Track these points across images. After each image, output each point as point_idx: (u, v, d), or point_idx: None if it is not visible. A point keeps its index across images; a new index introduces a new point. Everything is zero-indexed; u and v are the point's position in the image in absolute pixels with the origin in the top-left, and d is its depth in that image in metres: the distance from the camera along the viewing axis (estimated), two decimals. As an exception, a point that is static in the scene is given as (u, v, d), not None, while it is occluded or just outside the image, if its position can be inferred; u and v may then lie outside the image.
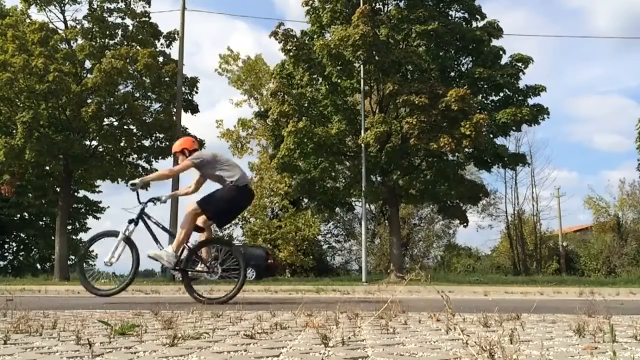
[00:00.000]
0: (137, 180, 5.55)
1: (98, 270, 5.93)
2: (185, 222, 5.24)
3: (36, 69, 17.04)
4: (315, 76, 18.15)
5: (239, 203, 5.53)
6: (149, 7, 20.37)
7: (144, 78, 19.00)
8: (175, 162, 6.93)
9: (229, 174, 5.33)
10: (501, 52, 17.93)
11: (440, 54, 18.10)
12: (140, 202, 5.57)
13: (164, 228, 5.97)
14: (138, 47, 19.36)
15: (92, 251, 5.86)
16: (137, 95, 19.57)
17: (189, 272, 5.28)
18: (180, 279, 5.50)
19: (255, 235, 27.23)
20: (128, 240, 5.39)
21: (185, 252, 5.30)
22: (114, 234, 5.43)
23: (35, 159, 17.21)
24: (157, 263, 5.46)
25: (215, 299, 5.19)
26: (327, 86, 18.11)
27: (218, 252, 5.34)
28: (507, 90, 17.98)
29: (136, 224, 5.48)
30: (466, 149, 16.60)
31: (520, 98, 17.87)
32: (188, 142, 5.92)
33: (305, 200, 23.57)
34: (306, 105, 18.26)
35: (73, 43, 19.77)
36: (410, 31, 17.40)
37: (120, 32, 19.89)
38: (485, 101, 18.44)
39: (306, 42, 18.25)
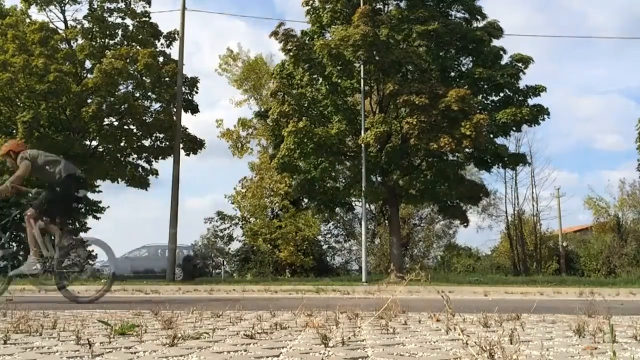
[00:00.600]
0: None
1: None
2: (28, 228, 5.48)
3: (36, 69, 17.06)
4: (316, 76, 18.13)
5: (70, 192, 5.73)
6: (149, 7, 20.40)
7: (144, 78, 19.01)
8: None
9: (56, 168, 5.47)
10: (501, 52, 17.93)
11: (441, 54, 18.09)
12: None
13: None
14: (138, 47, 19.38)
15: (92, 250, 5.90)
16: (137, 95, 19.58)
17: (61, 272, 5.41)
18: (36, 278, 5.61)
19: (256, 235, 27.21)
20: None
21: (56, 254, 5.38)
22: None
23: (35, 159, 17.20)
24: (28, 276, 5.56)
25: (87, 297, 5.27)
26: (327, 86, 18.10)
27: (84, 250, 5.42)
28: (507, 91, 17.98)
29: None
30: (466, 149, 16.60)
31: (520, 98, 17.88)
32: (14, 145, 5.90)
33: (306, 200, 23.56)
34: (306, 105, 18.25)
35: (73, 43, 19.79)
36: (411, 31, 17.40)
37: (120, 32, 19.91)
38: (486, 101, 18.44)
39: (306, 42, 18.25)
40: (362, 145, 16.58)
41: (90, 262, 5.84)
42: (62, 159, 5.69)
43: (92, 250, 5.55)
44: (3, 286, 5.52)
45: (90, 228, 29.85)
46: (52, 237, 5.55)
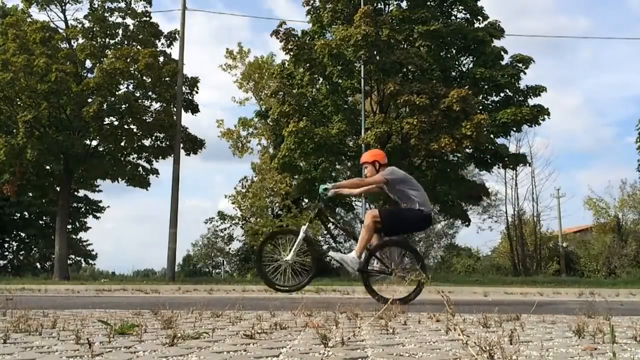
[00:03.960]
0: (329, 186, 5.68)
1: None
2: (367, 228, 5.35)
3: (37, 69, 17.06)
4: (316, 76, 18.14)
5: (415, 227, 5.83)
6: (150, 6, 20.38)
7: (144, 78, 18.99)
8: (360, 171, 7.19)
9: (418, 199, 5.43)
10: (502, 53, 17.94)
11: (442, 54, 18.10)
12: (320, 201, 5.74)
13: (341, 227, 6.55)
14: (139, 46, 19.36)
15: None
16: (138, 95, 19.55)
17: (369, 273, 5.42)
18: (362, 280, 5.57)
19: (256, 235, 27.22)
20: (307, 239, 5.61)
21: (365, 254, 5.42)
22: (294, 232, 5.65)
23: (36, 158, 17.22)
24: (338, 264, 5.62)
25: (398, 299, 5.23)
26: (327, 86, 18.10)
27: (395, 252, 5.49)
28: (507, 91, 17.99)
29: (313, 222, 5.73)
30: (467, 150, 16.59)
31: (520, 98, 17.88)
32: (381, 156, 5.86)
33: (306, 200, 23.57)
34: (307, 105, 18.25)
35: (74, 43, 19.78)
36: (412, 31, 17.40)
37: (121, 32, 19.88)
38: (486, 101, 18.46)
39: (307, 42, 18.25)
40: (363, 145, 16.57)
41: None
42: (424, 192, 5.62)
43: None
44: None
45: (90, 228, 29.99)
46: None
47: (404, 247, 5.71)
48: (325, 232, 5.85)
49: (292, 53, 17.61)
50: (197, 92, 20.76)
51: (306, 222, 5.67)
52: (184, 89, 19.68)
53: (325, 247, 32.77)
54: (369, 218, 5.36)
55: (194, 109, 20.62)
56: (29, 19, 19.52)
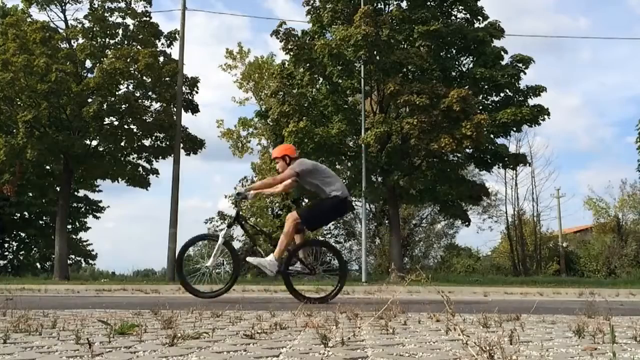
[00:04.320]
0: (242, 189, 5.66)
1: None
2: (287, 231, 5.32)
3: (37, 69, 17.06)
4: (316, 76, 18.14)
5: (336, 214, 5.78)
6: (150, 6, 20.38)
7: (144, 78, 19.00)
8: (273, 168, 7.19)
9: (331, 186, 5.39)
10: (502, 53, 17.93)
11: (442, 54, 18.10)
12: (236, 206, 5.73)
13: (260, 230, 6.40)
14: (139, 46, 19.37)
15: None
16: (138, 95, 19.56)
17: (290, 274, 5.40)
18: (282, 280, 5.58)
19: (256, 234, 27.18)
20: (227, 244, 5.58)
21: (285, 255, 5.41)
22: (213, 237, 5.65)
23: (36, 158, 17.22)
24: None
25: (318, 298, 5.27)
26: (327, 86, 18.10)
27: (316, 252, 5.47)
28: (507, 91, 17.99)
29: (232, 227, 5.68)
30: (467, 150, 16.58)
31: (520, 98, 17.88)
32: (290, 149, 5.84)
33: (306, 200, 23.55)
34: (307, 105, 18.25)
35: (74, 42, 19.78)
36: (412, 31, 17.40)
37: (121, 32, 19.89)
38: (486, 101, 18.45)
39: (307, 42, 18.25)
40: (363, 145, 16.58)
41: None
42: (338, 178, 5.60)
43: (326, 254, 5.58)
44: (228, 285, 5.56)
45: (90, 228, 29.97)
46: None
47: (325, 247, 5.73)
48: (244, 235, 5.86)
49: (292, 53, 17.61)
50: (197, 92, 20.77)
51: (224, 227, 5.64)
52: (184, 89, 19.69)
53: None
54: (290, 222, 5.29)
55: (194, 109, 20.63)
56: (29, 19, 19.53)
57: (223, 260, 5.68)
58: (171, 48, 20.71)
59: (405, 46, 17.81)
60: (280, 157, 5.66)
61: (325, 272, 5.47)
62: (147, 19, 20.19)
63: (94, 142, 19.54)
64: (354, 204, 6.19)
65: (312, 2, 18.79)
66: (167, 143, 19.62)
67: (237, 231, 29.74)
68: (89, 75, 19.34)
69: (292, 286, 5.37)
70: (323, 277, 5.58)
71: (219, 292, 5.53)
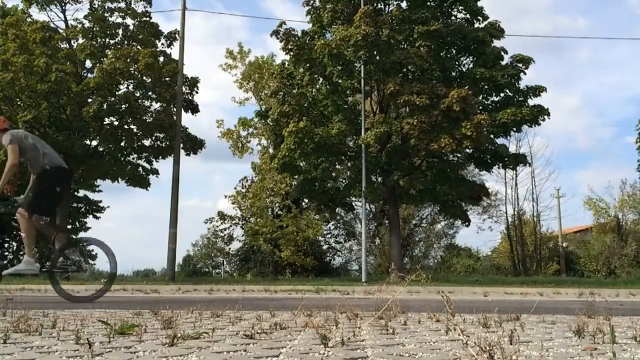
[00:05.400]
0: None
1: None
2: (25, 229, 5.27)
3: (38, 69, 17.06)
4: (316, 76, 18.13)
5: (57, 187, 5.43)
6: (150, 6, 20.39)
7: (144, 78, 19.00)
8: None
9: (44, 159, 5.21)
10: (502, 53, 17.93)
11: (442, 54, 18.09)
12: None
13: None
14: (139, 47, 19.37)
15: (92, 250, 5.98)
16: (138, 95, 19.57)
17: (56, 273, 5.38)
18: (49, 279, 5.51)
19: (256, 234, 27.20)
20: None
21: (52, 254, 5.36)
22: None
23: (35, 158, 17.20)
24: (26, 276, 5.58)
25: (86, 297, 5.28)
26: (327, 86, 18.09)
27: (83, 250, 5.43)
28: (507, 91, 17.98)
29: None
30: (467, 150, 16.57)
31: (520, 99, 17.88)
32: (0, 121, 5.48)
33: (306, 200, 23.57)
34: (307, 105, 18.24)
35: (74, 43, 19.79)
36: (412, 31, 17.39)
37: (120, 32, 19.89)
38: (486, 101, 18.45)
39: (307, 42, 18.24)
40: (363, 145, 16.57)
41: (91, 261, 5.88)
42: (47, 145, 5.39)
43: (92, 250, 5.59)
44: None
45: (90, 228, 29.94)
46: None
47: (94, 244, 5.63)
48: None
49: (292, 53, 17.60)
50: (197, 92, 20.78)
51: None
52: (184, 89, 19.69)
53: (325, 247, 32.85)
54: (20, 219, 5.23)
55: (194, 109, 20.63)
56: (29, 19, 19.53)
57: None
58: (171, 48, 20.73)
59: (405, 46, 17.80)
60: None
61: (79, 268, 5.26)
62: (147, 19, 20.20)
63: (94, 142, 19.55)
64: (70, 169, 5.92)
65: (312, 2, 18.79)
66: (167, 143, 19.63)
67: (237, 231, 29.81)
68: (89, 75, 19.35)
69: (58, 284, 5.31)
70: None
71: None
